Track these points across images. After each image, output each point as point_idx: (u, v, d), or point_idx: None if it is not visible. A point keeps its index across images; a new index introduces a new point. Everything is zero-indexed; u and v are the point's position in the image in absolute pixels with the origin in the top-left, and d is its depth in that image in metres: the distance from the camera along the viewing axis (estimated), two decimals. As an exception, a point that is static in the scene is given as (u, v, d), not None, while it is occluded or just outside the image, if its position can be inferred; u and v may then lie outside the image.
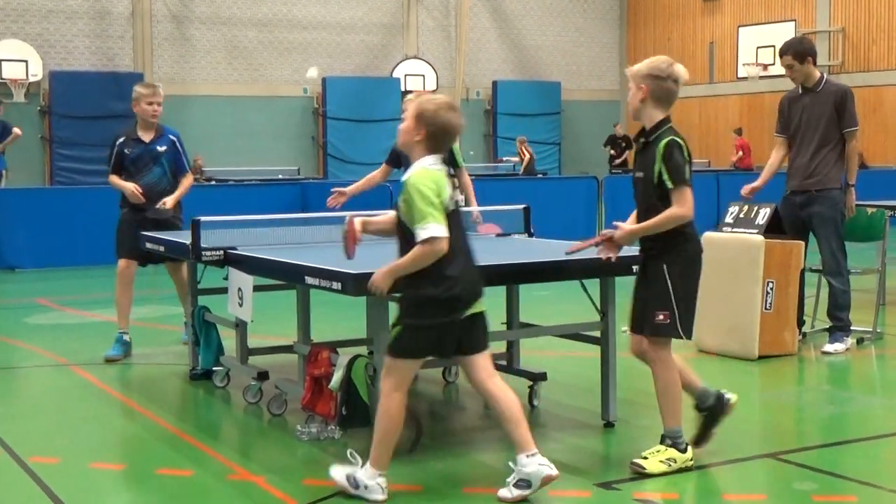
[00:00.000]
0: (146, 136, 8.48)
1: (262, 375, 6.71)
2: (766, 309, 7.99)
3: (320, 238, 7.25)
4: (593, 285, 6.01)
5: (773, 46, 26.08)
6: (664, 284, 5.09)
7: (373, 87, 29.00)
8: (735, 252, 8.14)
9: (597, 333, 6.06)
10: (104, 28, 26.64)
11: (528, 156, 27.04)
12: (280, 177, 24.10)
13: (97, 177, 25.09)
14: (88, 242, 14.42)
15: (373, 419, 5.07)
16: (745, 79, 28.78)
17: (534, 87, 31.27)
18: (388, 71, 29.74)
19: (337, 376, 5.70)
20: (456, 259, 4.64)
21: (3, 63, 25.02)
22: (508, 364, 6.96)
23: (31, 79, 25.33)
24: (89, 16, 26.44)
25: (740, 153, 26.68)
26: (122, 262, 8.44)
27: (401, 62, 29.82)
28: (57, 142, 25.63)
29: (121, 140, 8.44)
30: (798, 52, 8.18)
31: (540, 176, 25.18)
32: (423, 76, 29.81)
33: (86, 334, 8.31)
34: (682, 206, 4.99)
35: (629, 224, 5.18)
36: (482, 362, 4.79)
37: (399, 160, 8.40)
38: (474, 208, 7.77)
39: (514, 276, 5.81)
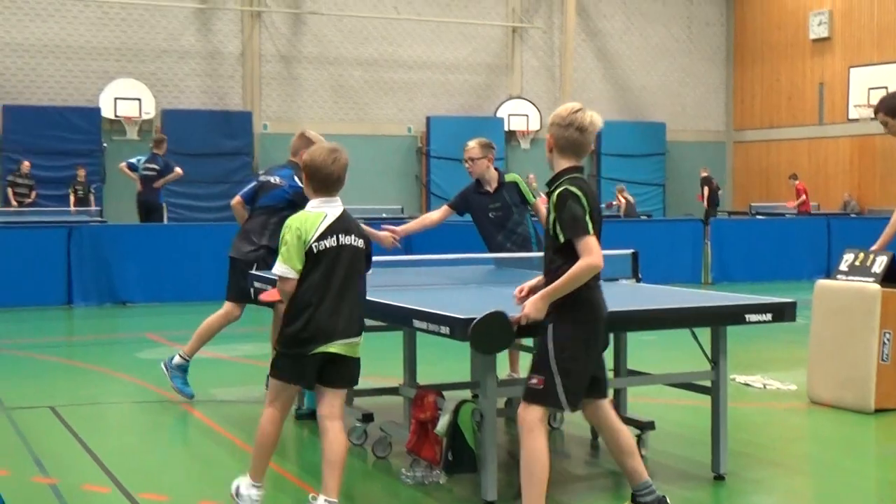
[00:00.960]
0: None
1: (367, 417, 6.71)
2: (882, 360, 7.76)
3: (426, 280, 7.25)
4: (704, 333, 5.90)
5: (886, 88, 25.53)
6: (545, 346, 4.76)
7: (476, 126, 28.98)
8: (850, 301, 7.93)
9: (707, 383, 5.95)
10: (215, 67, 27.26)
11: (624, 202, 26.89)
12: (384, 215, 24.26)
13: (207, 213, 25.66)
14: (198, 278, 14.70)
15: (479, 466, 5.04)
16: (856, 120, 28.20)
17: (638, 128, 31.09)
18: (492, 111, 29.85)
19: (443, 421, 5.67)
20: (313, 299, 4.97)
21: (118, 101, 25.74)
22: (615, 411, 6.81)
23: (144, 117, 25.99)
24: (201, 56, 27.08)
25: (803, 197, 26.36)
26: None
27: (504, 102, 29.92)
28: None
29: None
30: (890, 107, 7.95)
31: (643, 218, 24.95)
32: (527, 116, 29.87)
33: (194, 371, 8.42)
34: (589, 256, 4.64)
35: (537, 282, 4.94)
36: (330, 398, 5.08)
37: (463, 205, 8.42)
38: None
39: (623, 323, 5.73)
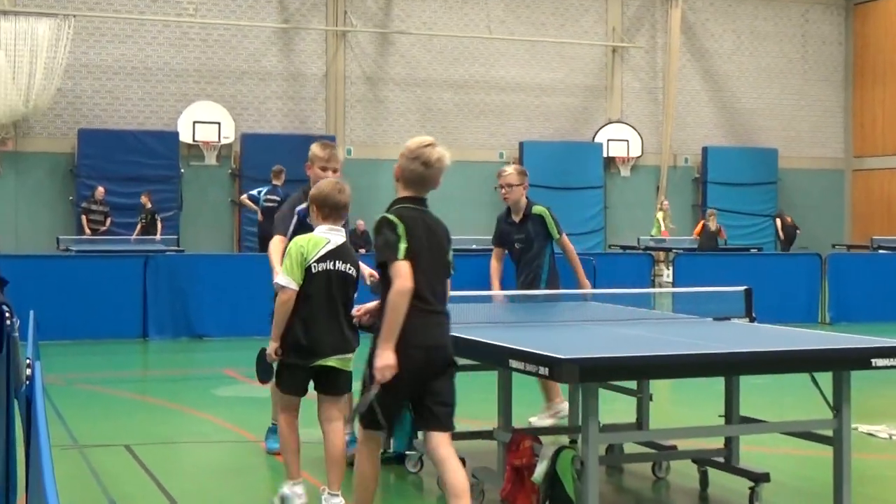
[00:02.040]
0: None
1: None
2: None
3: (521, 317, 7.24)
4: (824, 377, 5.79)
5: None
6: (368, 369, 5.22)
7: (573, 152, 29.10)
8: None
9: (828, 432, 5.83)
10: (297, 90, 27.64)
11: (700, 226, 26.60)
12: (474, 246, 24.28)
13: (285, 243, 25.91)
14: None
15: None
16: None
17: (748, 154, 30.74)
18: (590, 136, 29.78)
19: (541, 468, 5.64)
20: (310, 314, 6.04)
21: (197, 125, 26.21)
22: (727, 461, 6.73)
23: (223, 141, 26.44)
24: (283, 77, 27.48)
25: None
26: None
27: (603, 126, 29.83)
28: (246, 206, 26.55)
29: (304, 207, 7.14)
30: None
31: (754, 251, 24.64)
32: (627, 141, 29.74)
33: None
34: (396, 280, 5.08)
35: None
36: (328, 404, 6.20)
37: (499, 237, 8.61)
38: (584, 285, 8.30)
39: (736, 366, 5.64)
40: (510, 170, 8.74)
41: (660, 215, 28.31)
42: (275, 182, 19.16)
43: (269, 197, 18.96)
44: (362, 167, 26.55)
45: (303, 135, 26.93)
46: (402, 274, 5.08)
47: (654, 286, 19.76)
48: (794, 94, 31.90)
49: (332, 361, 6.07)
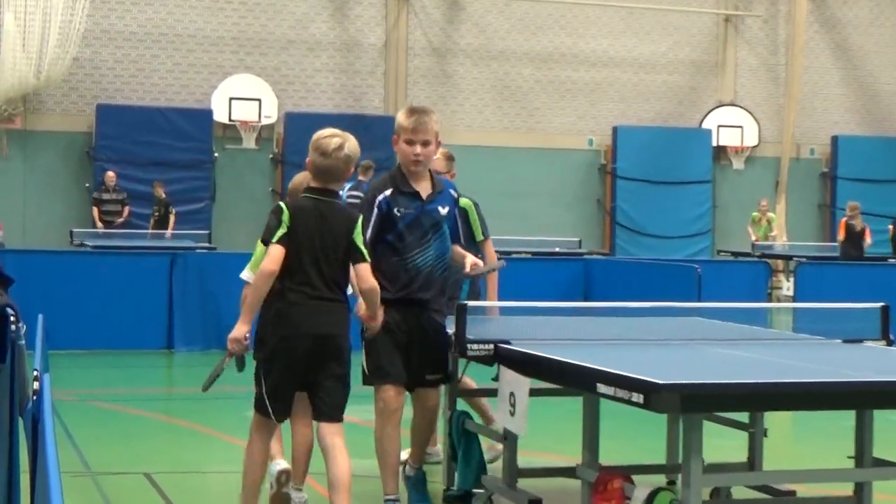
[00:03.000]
0: (422, 190, 7.09)
1: (536, 503, 6.69)
2: None
3: (612, 333, 7.21)
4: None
5: None
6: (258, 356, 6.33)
7: (676, 140, 28.95)
8: None
9: (980, 479, 5.74)
10: (351, 62, 27.77)
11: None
12: (557, 249, 24.30)
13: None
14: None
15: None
16: None
17: (886, 146, 30.39)
18: (697, 120, 29.62)
19: (632, 513, 5.62)
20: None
21: (234, 102, 26.40)
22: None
23: (264, 121, 26.66)
24: (335, 47, 27.62)
25: None
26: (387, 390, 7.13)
27: (713, 110, 29.65)
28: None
29: (387, 195, 6.94)
30: None
31: (892, 261, 24.32)
32: (741, 128, 29.55)
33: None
34: (264, 261, 6.21)
35: None
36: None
37: None
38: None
39: (869, 398, 5.56)
40: (437, 154, 8.08)
41: (756, 215, 27.81)
42: (361, 177, 19.34)
43: (352, 193, 19.00)
44: (426, 154, 26.64)
45: (357, 114, 27.05)
46: (270, 256, 6.15)
47: (771, 300, 19.61)
48: (943, 74, 31.51)
49: None
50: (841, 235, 25.46)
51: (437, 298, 7.08)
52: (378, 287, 6.50)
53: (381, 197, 6.90)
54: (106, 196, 24.79)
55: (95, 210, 24.73)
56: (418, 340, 6.94)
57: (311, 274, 6.16)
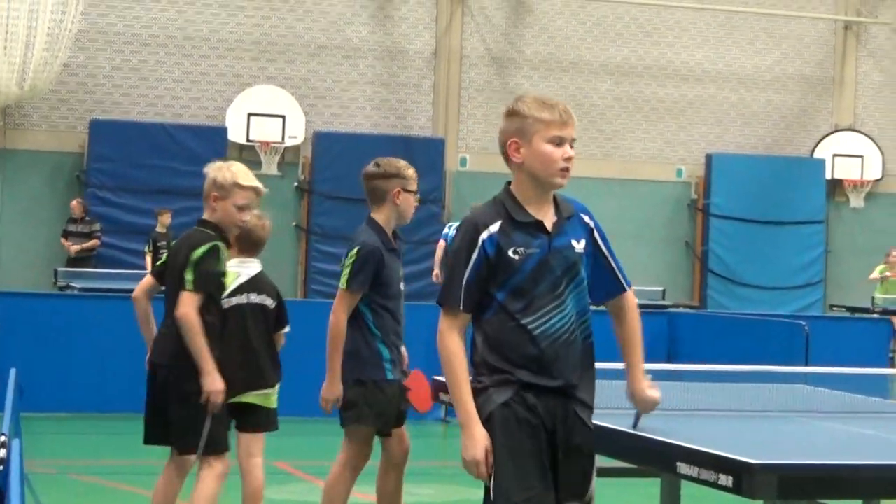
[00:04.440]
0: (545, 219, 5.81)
1: None
2: None
3: (698, 403, 7.17)
4: None
5: None
6: None
7: (782, 171, 28.83)
8: None
9: None
10: (394, 73, 27.85)
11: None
12: (637, 300, 24.13)
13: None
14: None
15: None
16: None
17: None
18: (808, 148, 29.52)
19: None
20: (226, 351, 8.11)
21: (252, 119, 26.48)
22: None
23: (289, 142, 26.72)
24: (374, 55, 27.69)
25: None
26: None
27: (827, 135, 29.53)
28: (317, 233, 26.75)
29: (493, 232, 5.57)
30: None
31: None
32: (862, 157, 29.38)
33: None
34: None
35: None
36: (246, 442, 8.63)
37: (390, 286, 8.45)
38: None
39: None
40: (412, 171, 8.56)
41: (882, 268, 27.54)
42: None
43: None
44: (481, 182, 26.62)
45: (400, 136, 27.11)
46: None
47: (894, 366, 19.43)
48: None
49: (250, 398, 8.51)
50: None
51: (587, 384, 5.72)
52: (188, 317, 7.56)
53: (485, 235, 5.57)
54: (72, 227, 24.80)
55: (64, 242, 24.73)
56: (562, 449, 5.57)
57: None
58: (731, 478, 5.04)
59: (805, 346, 14.28)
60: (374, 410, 8.10)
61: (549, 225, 5.61)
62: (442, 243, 21.97)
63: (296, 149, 27.01)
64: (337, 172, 26.09)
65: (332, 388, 8.18)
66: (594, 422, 5.67)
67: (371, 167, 8.41)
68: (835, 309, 27.63)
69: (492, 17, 28.41)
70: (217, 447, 7.84)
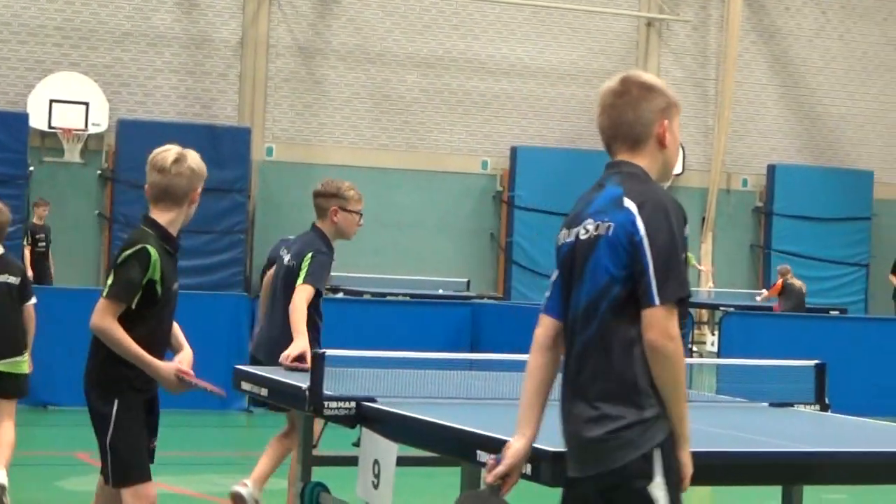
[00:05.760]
0: None
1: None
2: None
3: (499, 392, 7.22)
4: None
5: None
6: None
7: (586, 164, 28.98)
8: None
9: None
10: (200, 62, 27.61)
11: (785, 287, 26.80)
12: (441, 291, 24.29)
13: (183, 276, 25.66)
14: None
15: None
16: None
17: (832, 178, 30.82)
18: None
19: None
20: None
21: (55, 105, 26.06)
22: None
23: (92, 129, 26.33)
24: (180, 43, 27.43)
25: None
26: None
27: (630, 130, 29.89)
28: (121, 222, 26.42)
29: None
30: None
31: (833, 314, 24.68)
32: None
33: None
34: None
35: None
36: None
37: None
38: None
39: (799, 472, 5.61)
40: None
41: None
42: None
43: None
44: (287, 173, 26.60)
45: (206, 125, 26.89)
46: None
47: (691, 356, 19.77)
48: (898, 97, 32.13)
49: (1, 367, 9.54)
50: (774, 292, 25.70)
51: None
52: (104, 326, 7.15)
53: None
54: None
55: None
56: None
57: None
58: (529, 465, 5.02)
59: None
60: None
61: None
62: None
63: (99, 137, 26.64)
64: (141, 161, 24.91)
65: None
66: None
67: (318, 185, 9.42)
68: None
69: (299, 7, 28.27)
70: None
